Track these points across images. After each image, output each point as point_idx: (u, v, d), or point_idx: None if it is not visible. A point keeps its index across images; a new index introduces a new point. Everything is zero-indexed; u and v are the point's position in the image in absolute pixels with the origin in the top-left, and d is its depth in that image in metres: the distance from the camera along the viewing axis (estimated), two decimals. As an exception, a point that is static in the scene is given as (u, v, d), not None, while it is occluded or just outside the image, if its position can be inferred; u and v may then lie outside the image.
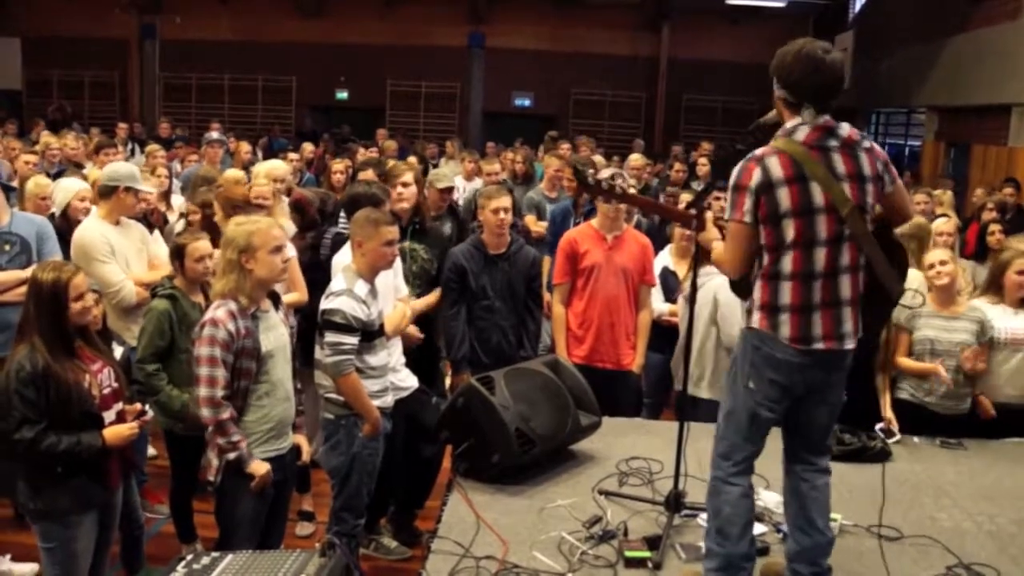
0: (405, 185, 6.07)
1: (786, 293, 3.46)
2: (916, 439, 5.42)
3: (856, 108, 19.68)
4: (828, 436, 3.82)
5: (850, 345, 3.56)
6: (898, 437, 5.33)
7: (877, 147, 3.63)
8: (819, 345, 3.49)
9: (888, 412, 5.54)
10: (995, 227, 7.97)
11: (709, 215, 3.93)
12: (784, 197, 3.39)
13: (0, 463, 4.32)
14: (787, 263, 3.45)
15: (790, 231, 3.42)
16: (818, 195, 3.41)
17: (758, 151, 3.47)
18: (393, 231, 4.82)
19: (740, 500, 3.61)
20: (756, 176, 3.41)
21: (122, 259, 5.73)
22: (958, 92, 15.54)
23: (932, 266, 5.57)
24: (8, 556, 5.22)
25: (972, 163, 15.58)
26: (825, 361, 3.55)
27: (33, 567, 5.04)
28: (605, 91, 24.13)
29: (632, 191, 7.60)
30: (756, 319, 3.54)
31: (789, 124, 3.50)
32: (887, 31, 18.31)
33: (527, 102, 24.84)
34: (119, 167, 6.08)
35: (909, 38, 17.20)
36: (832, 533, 3.80)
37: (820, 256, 3.45)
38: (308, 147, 13.44)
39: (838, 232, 3.45)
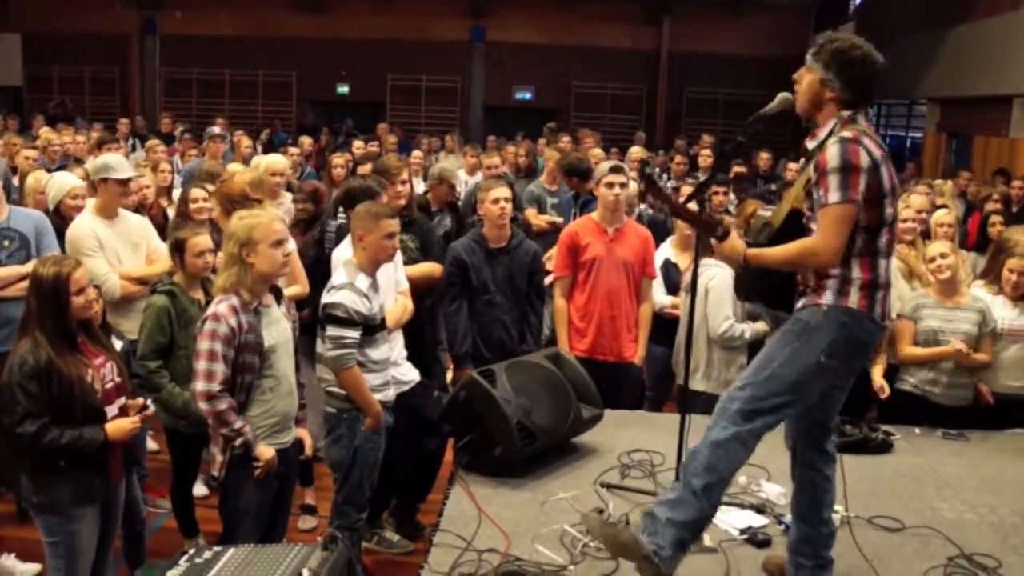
0: (403, 183, 6.08)
1: (883, 271, 3.51)
2: (917, 430, 5.42)
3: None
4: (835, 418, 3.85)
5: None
6: (898, 436, 5.31)
7: None
8: (887, 322, 3.61)
9: (879, 379, 5.64)
10: (996, 218, 7.99)
11: (732, 224, 3.87)
12: (885, 177, 3.44)
13: (4, 458, 4.33)
14: (883, 241, 3.50)
15: (889, 209, 3.47)
16: (894, 176, 3.53)
17: (847, 134, 3.43)
18: (394, 224, 4.81)
19: (740, 465, 3.56)
20: (865, 157, 3.40)
21: (112, 253, 5.73)
22: (959, 83, 15.54)
23: (933, 259, 5.59)
24: (13, 554, 5.23)
25: (974, 155, 15.58)
26: (878, 338, 3.69)
27: (36, 567, 5.05)
28: (606, 84, 24.11)
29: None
30: (854, 298, 3.47)
31: (845, 113, 3.51)
32: (888, 22, 18.29)
33: (528, 96, 24.83)
34: (95, 161, 6.11)
35: (910, 29, 17.19)
36: (835, 525, 3.79)
37: (894, 235, 3.57)
38: (307, 141, 13.43)
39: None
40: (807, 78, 3.56)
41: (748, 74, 20.46)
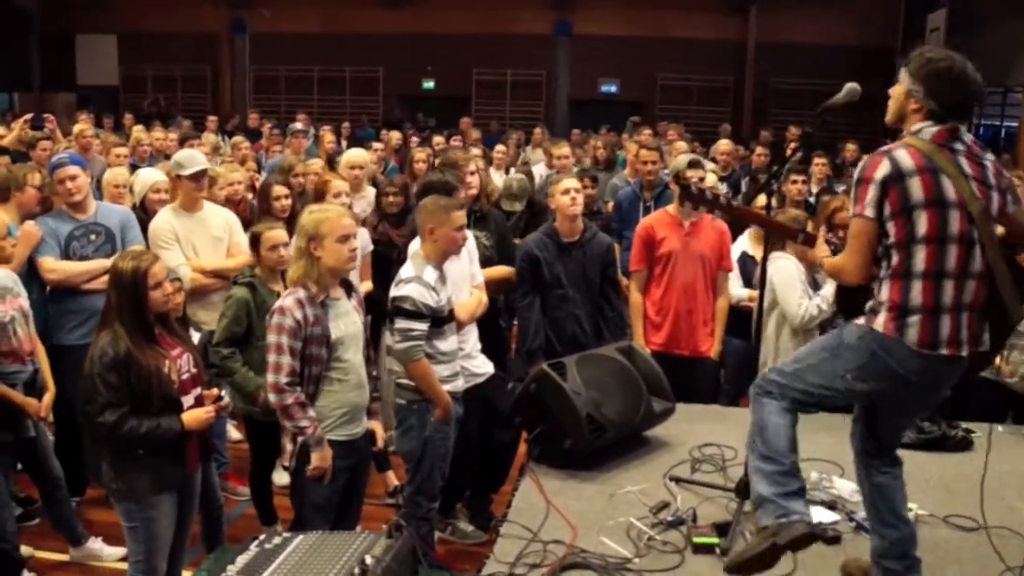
0: (471, 174, 6.12)
1: (918, 293, 3.29)
2: (1000, 427, 5.28)
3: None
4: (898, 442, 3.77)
5: (966, 351, 3.37)
6: (979, 434, 5.17)
7: (1001, 168, 3.51)
8: (943, 350, 3.32)
9: None
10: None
11: (821, 233, 3.82)
12: (916, 186, 3.26)
13: (90, 448, 4.47)
14: (920, 260, 3.29)
15: (922, 224, 3.27)
16: (949, 188, 3.28)
17: (884, 147, 3.35)
18: (462, 216, 4.87)
19: (781, 415, 3.53)
20: (884, 168, 3.28)
21: (188, 246, 5.88)
22: (1058, 70, 15.02)
23: None
24: (100, 538, 5.41)
25: (1073, 144, 15.09)
26: (939, 370, 3.40)
27: (121, 551, 5.20)
28: (692, 76, 23.88)
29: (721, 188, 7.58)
30: (881, 320, 3.34)
31: (915, 127, 3.39)
32: (981, 7, 17.74)
33: (613, 88, 24.72)
34: (174, 158, 6.27)
35: (1004, 14, 16.66)
36: (913, 524, 3.70)
37: (952, 254, 3.30)
38: (395, 135, 13.54)
39: (969, 232, 3.30)
40: (896, 90, 3.47)
41: (836, 64, 20.01)
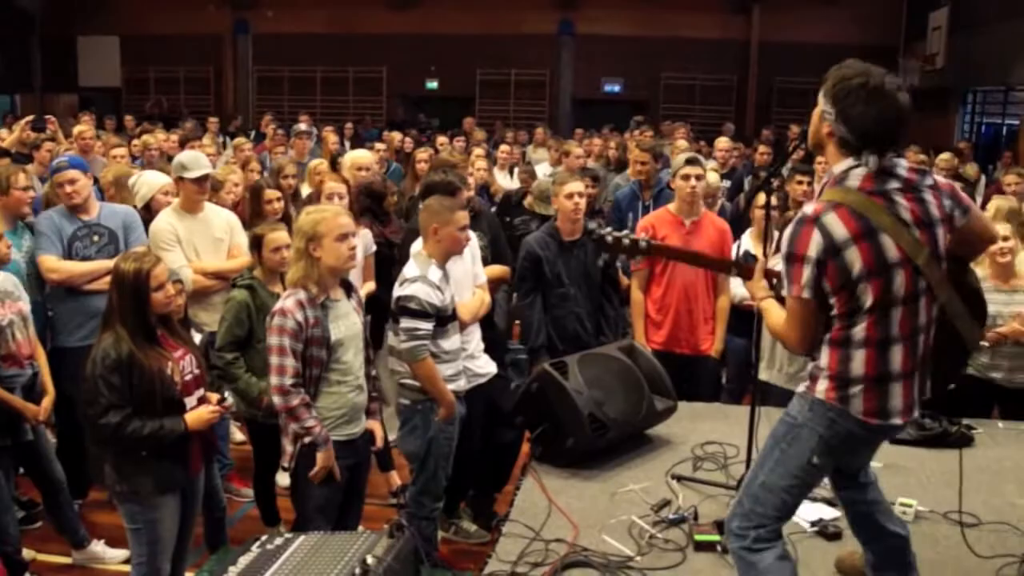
0: (470, 175, 6.13)
1: (859, 363, 3.05)
2: (1001, 424, 5.30)
3: (950, 87, 19.18)
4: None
5: (917, 412, 3.20)
6: (980, 430, 5.17)
7: (940, 179, 3.19)
8: (896, 420, 3.11)
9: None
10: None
11: (760, 263, 3.48)
12: (855, 258, 2.94)
13: (92, 451, 4.47)
14: (860, 329, 3.03)
15: (867, 295, 2.98)
16: (891, 248, 2.97)
17: (809, 209, 2.99)
18: (466, 216, 4.89)
19: (779, 563, 3.22)
20: (816, 243, 2.95)
21: (190, 248, 5.86)
22: (1060, 68, 15.03)
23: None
24: (103, 540, 5.41)
25: (1073, 141, 15.09)
26: (895, 430, 3.24)
27: (124, 553, 5.20)
28: (695, 75, 23.86)
29: (713, 182, 7.56)
30: (822, 388, 3.11)
31: (838, 168, 3.04)
32: (983, 7, 17.75)
33: (617, 88, 24.72)
34: (174, 160, 6.26)
35: (1008, 13, 16.66)
36: (907, 529, 3.58)
37: (896, 317, 3.03)
38: (396, 136, 13.55)
39: (915, 286, 3.03)
40: (814, 112, 3.15)
41: (839, 63, 20.03)
